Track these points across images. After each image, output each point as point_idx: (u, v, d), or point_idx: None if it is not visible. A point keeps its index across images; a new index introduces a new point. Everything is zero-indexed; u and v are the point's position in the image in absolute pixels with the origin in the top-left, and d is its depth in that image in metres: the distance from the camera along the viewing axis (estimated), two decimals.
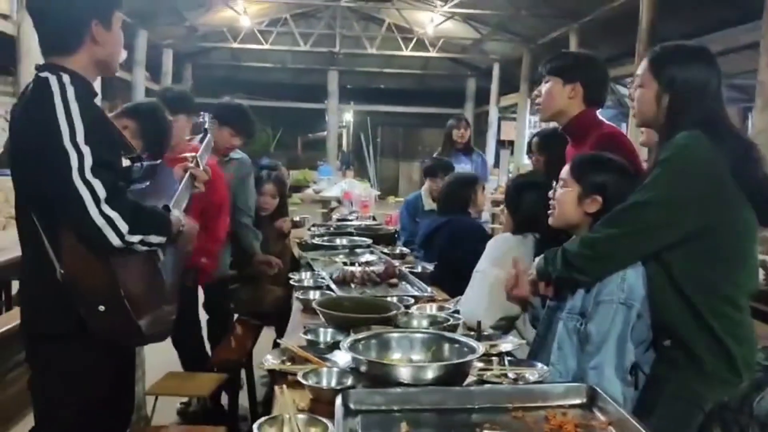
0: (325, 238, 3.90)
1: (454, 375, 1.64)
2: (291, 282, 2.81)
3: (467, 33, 13.76)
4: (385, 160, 18.87)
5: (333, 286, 2.71)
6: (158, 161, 2.12)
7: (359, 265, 3.11)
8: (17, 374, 3.60)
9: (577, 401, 1.58)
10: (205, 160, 2.26)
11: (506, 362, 1.85)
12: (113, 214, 1.60)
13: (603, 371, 1.70)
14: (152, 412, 2.68)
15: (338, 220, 5.54)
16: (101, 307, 1.64)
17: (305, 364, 1.79)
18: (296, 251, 4.03)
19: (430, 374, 1.62)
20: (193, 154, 2.21)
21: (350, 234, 4.04)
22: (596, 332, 1.71)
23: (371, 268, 3.02)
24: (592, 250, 1.74)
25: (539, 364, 1.80)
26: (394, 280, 2.92)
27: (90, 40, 1.75)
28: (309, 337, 1.98)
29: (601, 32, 10.26)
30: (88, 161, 1.60)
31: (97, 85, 1.87)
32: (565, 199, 1.90)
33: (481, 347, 1.72)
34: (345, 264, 3.19)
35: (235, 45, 14.28)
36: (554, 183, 2.00)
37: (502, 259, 2.35)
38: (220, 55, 16.05)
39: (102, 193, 1.60)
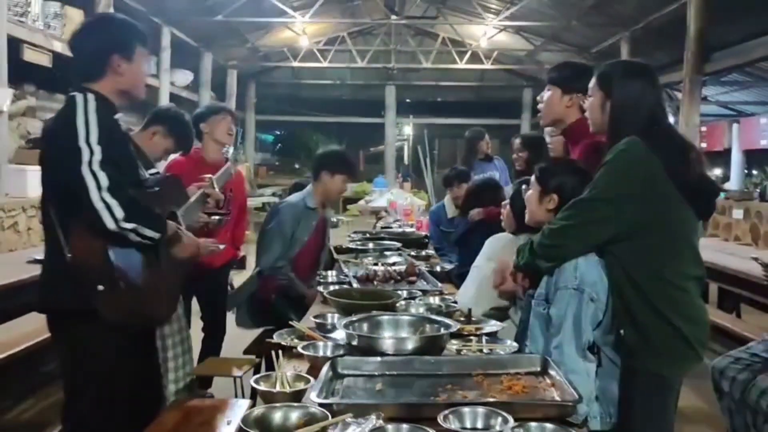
0: (359, 242, 4.23)
1: (429, 347, 1.93)
2: (317, 279, 3.15)
3: (521, 44, 13.91)
4: (444, 172, 19.07)
5: (354, 282, 3.03)
6: (169, 174, 2.46)
7: (383, 265, 3.43)
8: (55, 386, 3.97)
9: (532, 369, 1.84)
10: (222, 183, 2.61)
11: (483, 341, 2.12)
12: (112, 202, 1.89)
13: (563, 349, 1.93)
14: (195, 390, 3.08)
15: (382, 227, 5.88)
16: (100, 287, 1.94)
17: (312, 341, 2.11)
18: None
19: (408, 346, 1.92)
20: (210, 176, 2.56)
21: (382, 239, 4.36)
22: (556, 315, 1.96)
23: (393, 267, 3.33)
24: (549, 239, 2.00)
25: (509, 341, 2.07)
26: (413, 278, 3.22)
27: (111, 71, 2.12)
28: (318, 320, 2.31)
29: (653, 40, 10.25)
30: (97, 157, 1.92)
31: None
32: (530, 198, 2.20)
33: (455, 326, 2.01)
34: (375, 265, 3.51)
35: (296, 64, 14.89)
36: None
37: (496, 256, 2.60)
38: (281, 74, 16.73)
39: (105, 182, 1.90)
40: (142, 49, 2.20)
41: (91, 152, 1.93)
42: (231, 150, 2.95)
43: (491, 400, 1.57)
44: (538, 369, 1.84)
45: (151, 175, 2.33)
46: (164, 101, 10.42)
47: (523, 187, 2.40)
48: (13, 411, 3.65)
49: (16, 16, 6.64)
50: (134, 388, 2.20)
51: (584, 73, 2.57)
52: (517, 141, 3.39)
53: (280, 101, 17.52)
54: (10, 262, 4.33)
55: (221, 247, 2.99)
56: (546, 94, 2.60)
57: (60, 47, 7.21)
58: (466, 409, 1.47)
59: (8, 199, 6.20)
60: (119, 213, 1.90)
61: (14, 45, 6.56)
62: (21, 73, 7.22)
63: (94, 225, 1.91)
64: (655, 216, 1.92)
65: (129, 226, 1.93)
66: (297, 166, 18.51)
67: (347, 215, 11.17)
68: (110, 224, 1.90)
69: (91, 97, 2.04)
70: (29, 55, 6.98)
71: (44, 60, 7.19)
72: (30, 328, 3.65)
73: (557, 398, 1.64)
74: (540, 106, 2.67)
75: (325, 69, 15.45)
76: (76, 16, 7.59)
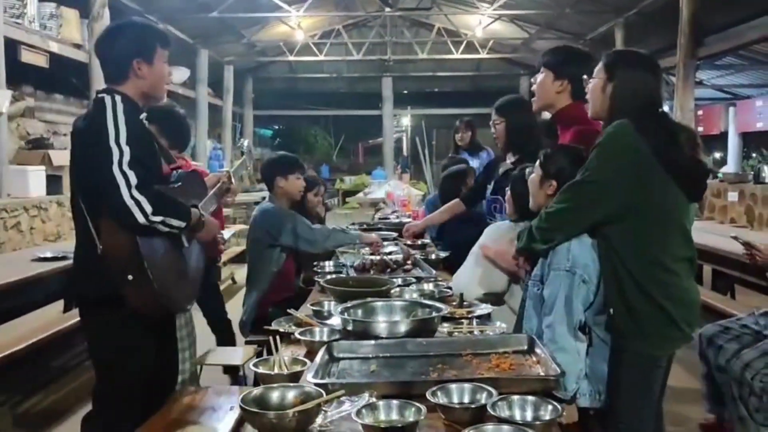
0: None
1: (421, 330, 2.01)
2: (314, 269, 3.23)
3: (516, 33, 13.95)
4: (442, 162, 19.12)
5: (351, 271, 3.11)
6: (191, 170, 2.57)
7: (379, 254, 3.50)
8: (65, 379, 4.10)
9: (519, 348, 1.92)
10: (239, 175, 2.71)
11: (474, 323, 2.20)
12: (141, 198, 2.02)
13: (555, 328, 2.00)
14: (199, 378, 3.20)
15: (380, 218, 5.96)
16: (129, 276, 2.06)
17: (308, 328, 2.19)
18: None
19: (401, 329, 2.00)
20: (228, 169, 2.66)
21: (379, 229, 4.44)
22: (548, 295, 2.03)
23: (390, 257, 3.41)
24: (545, 222, 2.09)
25: (498, 323, 2.15)
26: (409, 266, 3.29)
27: (133, 74, 2.22)
28: (315, 308, 2.39)
29: (646, 25, 10.29)
30: (126, 157, 2.04)
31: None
32: (533, 181, 2.29)
33: (446, 309, 2.09)
34: (372, 255, 3.58)
35: (292, 58, 14.95)
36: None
37: (495, 243, 2.67)
38: (278, 69, 16.79)
39: (134, 181, 2.02)
40: (162, 50, 2.30)
41: (121, 152, 2.05)
42: (246, 142, 3.01)
43: (478, 376, 1.65)
44: (525, 347, 1.91)
45: (172, 170, 2.43)
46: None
47: (527, 170, 2.44)
48: (24, 404, 3.75)
49: (12, 17, 6.69)
50: (156, 371, 2.31)
51: (578, 58, 2.63)
52: (496, 105, 3.26)
53: (277, 96, 17.56)
54: (15, 261, 4.42)
55: (225, 237, 3.10)
56: (539, 77, 2.62)
57: (56, 48, 7.28)
58: (453, 386, 1.55)
59: (10, 200, 6.29)
60: (148, 208, 2.03)
61: (11, 46, 6.62)
62: (19, 75, 7.27)
63: (125, 220, 2.03)
64: (644, 198, 1.98)
65: (157, 219, 2.05)
66: None
67: (347, 208, 11.24)
68: (141, 219, 2.02)
69: (118, 98, 2.15)
70: (26, 57, 7.04)
71: (41, 61, 7.25)
72: (37, 324, 3.75)
73: (542, 373, 1.72)
74: (533, 88, 2.68)
75: (322, 62, 15.51)
76: (71, 17, 7.65)
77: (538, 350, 1.86)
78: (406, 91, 18.17)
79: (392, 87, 17.35)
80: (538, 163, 2.31)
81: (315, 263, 3.31)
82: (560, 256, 2.06)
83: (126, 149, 2.05)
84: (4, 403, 3.65)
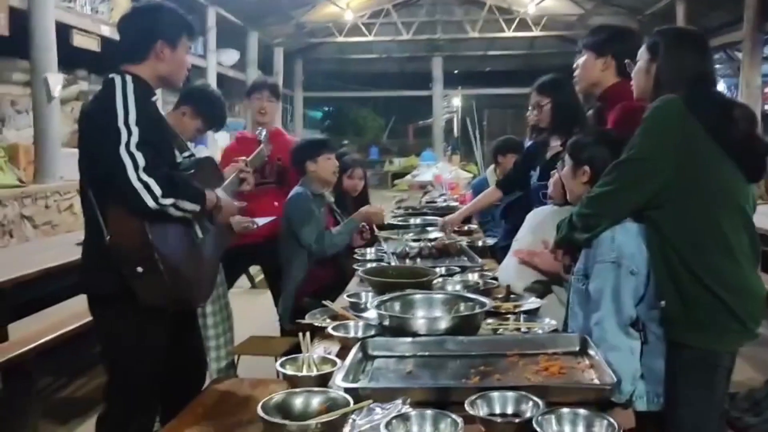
0: (401, 218, 4.17)
1: (463, 327, 1.87)
2: (354, 256, 3.11)
3: (570, 9, 13.48)
4: (493, 143, 18.78)
5: (392, 259, 2.98)
6: (205, 156, 2.47)
7: (423, 241, 3.36)
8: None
9: (571, 349, 1.76)
10: (255, 165, 2.65)
11: (521, 319, 2.04)
12: (149, 180, 1.89)
13: (604, 326, 1.83)
14: (235, 368, 3.14)
15: (427, 202, 5.82)
16: (139, 269, 1.94)
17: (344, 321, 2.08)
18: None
19: (441, 325, 1.86)
20: (244, 158, 2.57)
21: (424, 214, 4.29)
22: (594, 290, 1.86)
23: (433, 243, 3.26)
24: (588, 207, 1.91)
25: (547, 320, 1.99)
26: (453, 254, 3.15)
27: (154, 56, 2.12)
28: (351, 299, 2.27)
29: (709, 0, 9.75)
30: (135, 138, 1.92)
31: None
32: (566, 175, 2.12)
33: (490, 304, 1.94)
34: (416, 241, 3.44)
35: (341, 39, 14.83)
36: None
37: (538, 227, 2.51)
38: (327, 50, 16.68)
39: (142, 162, 1.90)
40: (187, 42, 2.21)
41: (129, 133, 1.93)
42: (264, 132, 2.92)
43: (523, 384, 1.50)
44: (577, 348, 1.76)
45: (185, 158, 2.32)
46: (212, 81, 10.53)
47: (558, 164, 2.29)
48: (68, 388, 3.78)
49: (64, 2, 6.77)
50: (175, 368, 2.22)
51: (618, 35, 2.52)
52: (537, 85, 3.02)
53: (327, 77, 17.51)
54: (67, 243, 4.44)
55: (258, 224, 2.98)
56: (580, 60, 2.52)
57: (108, 31, 7.33)
58: (495, 394, 1.41)
59: (64, 183, 6.41)
60: (157, 190, 1.90)
61: (64, 31, 6.71)
62: (71, 59, 7.38)
63: (134, 205, 1.92)
64: (696, 176, 1.81)
65: (168, 201, 1.93)
66: (346, 142, 18.51)
67: (396, 190, 11.10)
68: (150, 202, 1.90)
69: (129, 78, 2.04)
70: (78, 41, 7.13)
71: (93, 44, 7.33)
72: (81, 308, 3.75)
73: (595, 380, 1.56)
74: (576, 72, 2.57)
75: (371, 43, 15.33)
76: (122, 1, 7.70)
77: (591, 352, 1.70)
78: (456, 71, 17.84)
79: (442, 67, 17.07)
80: (566, 153, 2.16)
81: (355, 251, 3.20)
82: (604, 247, 1.88)
83: (135, 130, 1.93)
84: (46, 388, 3.68)
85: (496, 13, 14.26)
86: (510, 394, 1.40)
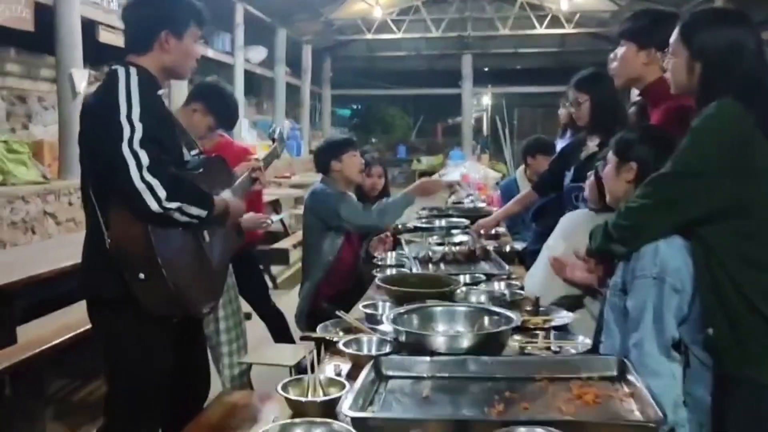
0: (424, 219, 4.00)
1: (486, 345, 1.70)
2: (374, 261, 2.95)
3: (604, 5, 13.14)
4: (524, 142, 18.50)
5: (413, 265, 2.81)
6: (214, 155, 2.33)
7: (448, 245, 3.19)
8: None
9: (608, 373, 1.58)
10: (269, 163, 2.49)
11: (551, 336, 1.86)
12: (153, 181, 1.76)
13: (643, 347, 1.65)
14: (248, 377, 3.01)
15: (454, 203, 5.63)
16: (141, 275, 1.82)
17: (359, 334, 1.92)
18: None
19: (462, 344, 1.69)
20: (257, 157, 2.41)
21: (449, 216, 4.11)
22: (633, 308, 1.67)
23: (457, 248, 3.09)
24: (626, 219, 1.71)
25: (581, 337, 1.80)
26: (477, 259, 2.97)
27: (158, 46, 1.98)
28: (367, 310, 2.11)
29: None
30: (138, 135, 1.78)
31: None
32: (607, 174, 1.92)
33: (518, 320, 1.76)
34: (440, 245, 3.27)
35: (370, 36, 14.68)
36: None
37: (570, 233, 2.32)
38: (356, 47, 16.54)
39: (145, 161, 1.77)
40: (196, 30, 2.07)
41: (132, 129, 1.80)
42: (278, 129, 2.78)
43: (553, 418, 1.32)
44: (615, 373, 1.57)
45: (194, 156, 2.19)
46: (239, 78, 10.47)
47: (599, 164, 2.09)
48: (82, 391, 3.69)
49: None
50: (178, 378, 2.09)
51: (663, 21, 2.21)
52: (574, 81, 2.82)
53: (355, 75, 17.37)
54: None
55: (273, 220, 2.86)
56: (620, 51, 2.26)
57: None
58: (522, 430, 1.23)
59: None
60: (162, 192, 1.77)
61: (90, 27, 6.66)
62: (97, 55, 7.33)
63: (136, 207, 1.79)
64: (755, 192, 1.59)
65: (173, 205, 1.80)
66: (373, 140, 18.37)
67: None
68: (153, 205, 1.77)
69: (133, 71, 1.91)
70: (104, 36, 7.08)
71: (119, 41, 7.24)
72: None
73: (637, 412, 1.38)
74: (613, 65, 2.32)
75: (400, 40, 15.17)
76: None
77: (631, 378, 1.51)
78: (486, 69, 17.56)
79: (472, 64, 16.79)
80: (611, 151, 1.95)
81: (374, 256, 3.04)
82: (646, 260, 1.68)
83: (138, 126, 1.79)
84: (58, 392, 3.60)
85: (528, 9, 13.98)
86: (539, 430, 1.23)
